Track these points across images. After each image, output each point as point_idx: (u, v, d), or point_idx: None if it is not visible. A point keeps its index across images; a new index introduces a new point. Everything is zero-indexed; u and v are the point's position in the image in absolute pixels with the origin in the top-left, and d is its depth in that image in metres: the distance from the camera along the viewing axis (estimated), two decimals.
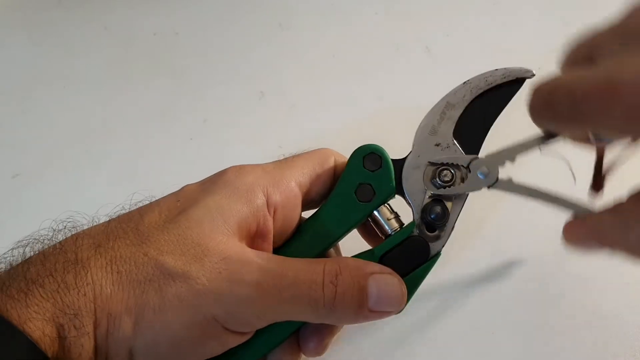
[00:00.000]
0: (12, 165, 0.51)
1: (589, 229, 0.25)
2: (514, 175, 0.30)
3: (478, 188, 0.30)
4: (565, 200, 0.28)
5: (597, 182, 0.29)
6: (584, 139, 0.27)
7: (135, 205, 0.29)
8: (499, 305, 0.40)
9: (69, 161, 0.51)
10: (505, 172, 0.30)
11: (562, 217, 0.28)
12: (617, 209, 0.24)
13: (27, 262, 0.26)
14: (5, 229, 0.47)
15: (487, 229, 0.43)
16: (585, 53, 0.24)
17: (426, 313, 0.39)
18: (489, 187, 0.30)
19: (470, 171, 0.30)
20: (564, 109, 0.22)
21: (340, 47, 0.58)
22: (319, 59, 0.57)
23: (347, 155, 0.32)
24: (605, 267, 0.39)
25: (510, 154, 0.30)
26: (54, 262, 0.25)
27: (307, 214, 0.33)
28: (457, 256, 0.41)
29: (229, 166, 0.31)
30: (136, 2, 0.63)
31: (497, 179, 0.30)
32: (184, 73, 0.57)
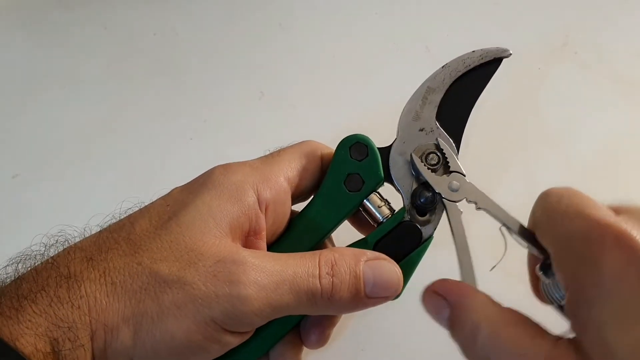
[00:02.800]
0: (12, 165, 0.51)
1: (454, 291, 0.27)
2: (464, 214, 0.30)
3: (440, 190, 0.30)
4: (468, 268, 0.29)
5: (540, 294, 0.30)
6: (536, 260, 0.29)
7: (125, 212, 0.29)
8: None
9: (68, 161, 0.51)
10: (462, 205, 0.30)
11: None
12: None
13: (19, 279, 0.26)
14: (5, 228, 0.47)
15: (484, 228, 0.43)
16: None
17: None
18: (444, 198, 0.30)
19: (448, 175, 0.31)
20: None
21: (340, 47, 0.58)
22: (319, 59, 0.57)
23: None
24: None
25: (484, 202, 0.30)
26: (46, 277, 0.25)
27: (298, 208, 0.33)
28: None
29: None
30: (136, 2, 0.63)
31: (455, 201, 0.30)
32: (184, 73, 0.57)
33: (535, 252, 0.28)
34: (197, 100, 0.55)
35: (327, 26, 0.60)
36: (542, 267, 0.28)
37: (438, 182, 0.30)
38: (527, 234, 0.29)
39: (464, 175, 0.31)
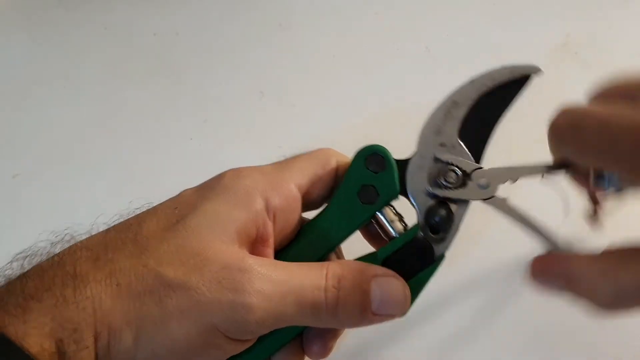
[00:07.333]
0: (12, 165, 0.51)
1: (562, 269, 0.25)
2: (510, 196, 0.29)
3: (474, 198, 0.29)
4: (550, 235, 0.28)
5: (595, 216, 0.29)
6: (585, 178, 0.27)
7: (133, 212, 0.29)
8: (498, 308, 0.40)
9: (68, 161, 0.51)
10: (504, 190, 0.29)
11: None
12: (599, 258, 0.23)
13: (25, 276, 0.25)
14: (5, 228, 0.47)
15: (487, 234, 0.43)
16: (623, 91, 0.24)
17: (426, 318, 0.39)
18: (484, 200, 0.29)
19: (471, 179, 0.30)
20: (592, 138, 0.22)
21: (340, 47, 0.58)
22: (319, 59, 0.57)
23: (349, 155, 0.31)
24: None
25: (513, 173, 0.29)
26: (52, 276, 0.25)
27: (309, 216, 0.32)
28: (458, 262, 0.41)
29: (228, 167, 0.30)
30: (136, 2, 0.63)
31: (494, 195, 0.29)
32: (184, 73, 0.57)
33: (578, 178, 0.28)
34: (197, 100, 0.55)
35: (327, 26, 0.60)
36: (595, 178, 0.27)
37: (466, 193, 0.29)
38: (561, 166, 0.28)
39: (481, 167, 0.30)
